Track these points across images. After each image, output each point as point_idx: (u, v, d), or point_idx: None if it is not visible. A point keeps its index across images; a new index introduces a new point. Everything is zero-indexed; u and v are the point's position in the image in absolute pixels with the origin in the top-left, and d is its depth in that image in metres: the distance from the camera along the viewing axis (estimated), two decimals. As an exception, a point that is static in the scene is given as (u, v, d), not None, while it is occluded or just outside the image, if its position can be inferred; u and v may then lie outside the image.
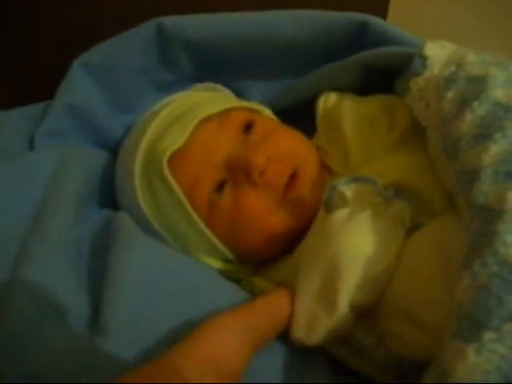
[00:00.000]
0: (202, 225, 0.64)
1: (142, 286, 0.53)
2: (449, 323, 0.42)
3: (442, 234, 0.51)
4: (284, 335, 0.54)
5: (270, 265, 0.68)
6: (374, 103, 0.67)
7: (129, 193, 0.67)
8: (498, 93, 0.49)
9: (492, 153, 0.45)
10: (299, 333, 0.52)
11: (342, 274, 0.50)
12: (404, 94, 0.61)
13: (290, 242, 0.66)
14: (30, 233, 0.57)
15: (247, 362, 0.46)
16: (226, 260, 0.67)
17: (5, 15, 0.91)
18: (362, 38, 0.69)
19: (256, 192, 0.63)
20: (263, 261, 0.68)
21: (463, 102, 0.51)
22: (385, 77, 0.69)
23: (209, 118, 0.65)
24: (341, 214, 0.54)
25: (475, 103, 0.49)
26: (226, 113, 0.66)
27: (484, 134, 0.47)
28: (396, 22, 0.90)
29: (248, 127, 0.66)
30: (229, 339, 0.45)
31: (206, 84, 0.76)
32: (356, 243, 0.51)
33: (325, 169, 0.69)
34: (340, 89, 0.71)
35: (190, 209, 0.64)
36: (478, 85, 0.51)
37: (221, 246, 0.66)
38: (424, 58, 0.59)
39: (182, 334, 0.48)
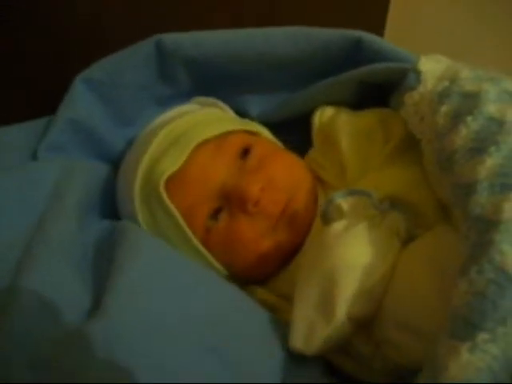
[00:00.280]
0: (198, 244, 0.66)
1: (146, 281, 0.55)
2: (443, 326, 0.43)
3: (437, 245, 0.53)
4: (281, 343, 0.55)
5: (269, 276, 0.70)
6: (369, 117, 0.69)
7: (129, 210, 0.69)
8: (491, 108, 0.51)
9: (487, 166, 0.47)
10: (298, 342, 0.53)
11: (339, 284, 0.52)
12: (399, 109, 0.63)
13: (286, 257, 0.67)
14: (32, 240, 0.58)
15: None
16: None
17: (5, 15, 0.91)
18: (357, 54, 0.71)
19: (250, 219, 0.65)
20: (260, 279, 0.69)
21: (457, 117, 0.53)
22: (380, 92, 0.71)
23: (206, 141, 0.67)
24: (337, 226, 0.56)
25: (469, 118, 0.51)
26: (224, 136, 0.68)
27: (479, 148, 0.49)
28: (396, 24, 0.92)
29: (245, 152, 0.68)
30: None
31: (206, 99, 0.78)
32: (352, 254, 0.53)
33: (319, 182, 0.70)
34: (335, 103, 0.73)
35: (186, 229, 0.65)
36: (471, 100, 0.53)
37: (217, 264, 0.67)
38: (418, 73, 0.61)
39: (183, 326, 0.50)
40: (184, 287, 0.56)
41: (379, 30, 0.95)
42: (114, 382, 0.46)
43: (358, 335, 0.54)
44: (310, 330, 0.53)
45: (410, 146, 0.63)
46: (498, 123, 0.50)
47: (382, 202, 0.57)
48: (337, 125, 0.69)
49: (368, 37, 0.71)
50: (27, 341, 0.48)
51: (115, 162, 0.77)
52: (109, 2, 0.91)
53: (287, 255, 0.67)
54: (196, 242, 0.66)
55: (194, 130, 0.68)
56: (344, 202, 0.57)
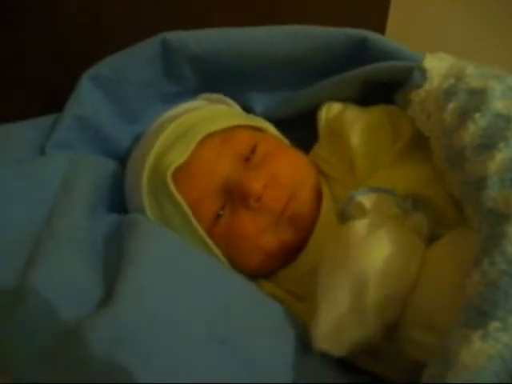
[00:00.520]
0: (204, 235, 0.67)
1: (158, 272, 0.55)
2: (456, 316, 0.44)
3: (461, 246, 0.53)
4: (292, 333, 0.56)
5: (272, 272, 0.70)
6: (377, 113, 0.70)
7: (137, 202, 0.69)
8: (499, 105, 0.53)
9: (497, 161, 0.48)
10: (325, 343, 0.53)
11: (371, 288, 0.52)
12: (406, 107, 0.64)
13: (290, 254, 0.68)
14: (42, 234, 0.59)
15: None
16: None
17: (5, 15, 0.91)
18: (361, 53, 0.71)
19: (252, 215, 0.66)
20: (264, 275, 0.70)
21: (464, 114, 0.54)
22: (384, 90, 0.72)
23: (213, 135, 0.68)
24: (360, 224, 0.56)
25: (477, 115, 0.53)
26: (231, 131, 0.69)
27: (487, 144, 0.50)
28: (396, 24, 0.92)
29: (251, 149, 0.68)
30: None
31: (213, 95, 0.79)
32: (381, 257, 0.53)
33: (324, 178, 0.71)
34: (339, 101, 0.74)
35: (193, 220, 0.66)
36: (478, 97, 0.55)
37: (222, 258, 0.68)
38: (423, 71, 0.62)
39: (194, 316, 0.51)
40: (195, 277, 0.57)
41: (380, 30, 0.95)
42: (126, 369, 0.46)
43: None
44: (339, 332, 0.52)
45: (418, 144, 0.64)
46: (506, 119, 0.51)
47: (405, 200, 0.57)
48: (345, 120, 0.70)
49: (372, 35, 0.71)
50: (39, 333, 0.49)
51: (121, 159, 0.78)
52: (109, 2, 0.91)
53: (291, 252, 0.68)
54: (202, 232, 0.66)
55: (201, 123, 0.69)
56: (366, 200, 0.57)
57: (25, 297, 0.50)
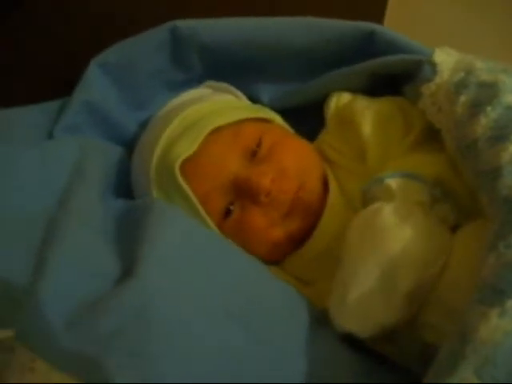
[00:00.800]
0: (213, 226, 0.68)
1: (176, 251, 0.56)
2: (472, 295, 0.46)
3: (482, 235, 0.52)
4: (304, 312, 0.58)
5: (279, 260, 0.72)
6: (387, 103, 0.71)
7: (145, 191, 0.71)
8: (510, 98, 0.54)
9: (511, 151, 0.50)
10: (349, 323, 0.54)
11: (401, 275, 0.53)
12: (415, 99, 0.66)
13: (297, 242, 0.70)
14: (57, 214, 0.59)
15: None
16: None
17: (5, 15, 0.91)
18: (370, 46, 0.73)
19: (262, 209, 0.67)
20: (272, 262, 0.71)
21: (475, 106, 0.56)
22: (391, 83, 0.73)
23: (221, 128, 0.68)
24: (388, 208, 0.56)
25: (488, 108, 0.54)
26: (238, 125, 0.70)
27: (499, 136, 0.52)
28: (394, 23, 0.93)
29: (257, 142, 0.69)
30: None
31: (219, 83, 0.80)
32: (412, 243, 0.54)
33: (329, 165, 0.72)
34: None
35: (201, 211, 0.67)
36: (488, 90, 0.56)
37: None
38: (434, 65, 0.64)
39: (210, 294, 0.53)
40: (210, 256, 0.59)
41: None
42: (143, 342, 0.48)
43: None
44: (367, 314, 0.54)
45: (429, 136, 0.65)
46: None
47: (434, 188, 0.59)
48: (355, 109, 0.71)
49: (380, 28, 0.73)
50: (59, 308, 0.49)
51: (127, 144, 0.79)
52: (109, 2, 0.92)
53: (298, 240, 0.69)
54: (212, 225, 0.68)
55: (209, 116, 0.69)
56: (395, 183, 0.58)
57: (44, 273, 0.51)
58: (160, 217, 0.60)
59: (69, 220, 0.58)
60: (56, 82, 0.87)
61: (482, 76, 0.58)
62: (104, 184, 0.70)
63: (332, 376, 0.53)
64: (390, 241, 0.54)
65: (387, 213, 0.56)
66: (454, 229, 0.58)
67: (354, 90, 0.75)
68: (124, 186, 0.75)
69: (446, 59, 0.64)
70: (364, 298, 0.53)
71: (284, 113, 0.79)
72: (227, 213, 0.68)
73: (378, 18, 0.96)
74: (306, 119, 0.78)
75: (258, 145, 0.69)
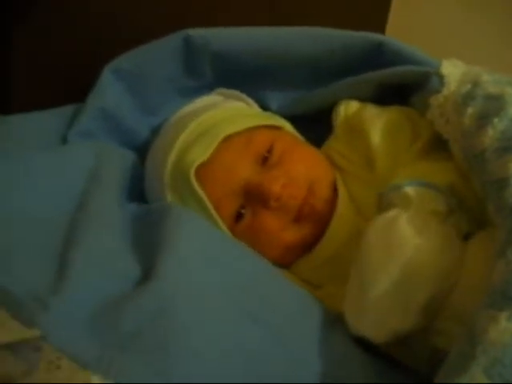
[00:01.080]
0: (226, 230, 0.70)
1: (194, 254, 0.59)
2: (481, 300, 0.48)
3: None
4: (317, 311, 0.60)
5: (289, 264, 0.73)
6: (396, 112, 0.72)
7: (159, 196, 0.72)
8: None
9: None
10: (367, 330, 0.56)
11: (419, 284, 0.55)
12: (423, 110, 0.67)
13: (306, 247, 0.71)
14: (76, 217, 0.61)
15: None
16: None
17: (5, 15, 0.92)
18: (377, 57, 0.75)
19: (273, 214, 0.69)
20: (282, 265, 0.72)
21: (482, 118, 0.58)
22: (397, 92, 0.75)
23: (233, 136, 0.70)
24: (404, 218, 0.58)
25: (495, 119, 0.56)
26: (250, 132, 0.71)
27: (506, 147, 0.54)
28: (397, 25, 0.94)
29: (268, 148, 0.71)
30: None
31: (230, 91, 0.82)
32: (431, 253, 0.55)
33: (338, 171, 0.74)
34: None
35: (215, 215, 0.69)
36: (495, 102, 0.58)
37: None
38: (441, 77, 0.66)
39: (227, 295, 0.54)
40: (227, 259, 0.61)
41: (379, 30, 0.95)
42: (162, 343, 0.49)
43: None
44: (382, 321, 0.55)
45: (436, 147, 0.67)
46: None
47: (450, 198, 0.60)
48: (365, 117, 0.72)
49: (388, 40, 0.75)
50: (87, 306, 0.51)
51: (139, 149, 0.81)
52: (109, 2, 0.93)
53: (308, 244, 0.71)
54: (225, 228, 0.69)
55: (222, 124, 0.71)
56: (413, 192, 0.60)
57: (68, 273, 0.53)
58: (178, 220, 0.62)
59: (89, 222, 0.61)
60: (56, 82, 0.87)
61: (488, 88, 0.60)
62: (119, 188, 0.72)
63: (346, 376, 0.54)
64: (408, 251, 0.55)
65: (403, 222, 0.57)
66: (466, 237, 0.60)
67: (361, 99, 0.76)
68: (137, 190, 0.76)
69: (452, 71, 0.66)
70: (381, 305, 0.55)
71: (292, 120, 0.80)
72: (238, 216, 0.70)
73: (381, 20, 0.98)
74: (314, 126, 0.80)
75: (269, 151, 0.71)
